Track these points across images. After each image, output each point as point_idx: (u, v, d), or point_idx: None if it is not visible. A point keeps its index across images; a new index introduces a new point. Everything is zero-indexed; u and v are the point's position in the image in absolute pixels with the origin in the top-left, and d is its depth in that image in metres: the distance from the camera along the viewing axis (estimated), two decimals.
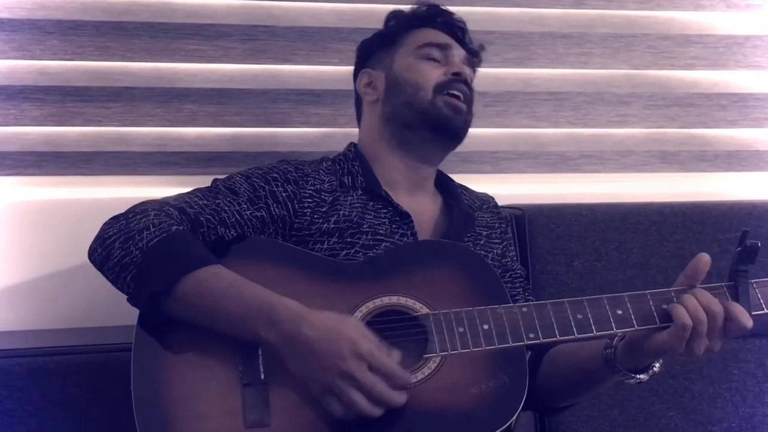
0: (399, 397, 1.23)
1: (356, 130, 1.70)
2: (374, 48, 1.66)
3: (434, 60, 1.58)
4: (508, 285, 1.58)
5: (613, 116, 2.12)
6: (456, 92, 1.55)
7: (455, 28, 1.64)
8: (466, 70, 1.59)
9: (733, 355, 1.89)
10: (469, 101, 1.57)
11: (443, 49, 1.59)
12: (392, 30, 1.65)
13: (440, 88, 1.54)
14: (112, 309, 1.57)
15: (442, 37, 1.61)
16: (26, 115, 1.84)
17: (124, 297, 1.33)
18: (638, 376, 1.36)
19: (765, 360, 1.91)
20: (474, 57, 1.65)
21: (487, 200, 1.71)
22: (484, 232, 1.61)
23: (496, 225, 1.66)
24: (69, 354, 1.66)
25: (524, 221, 1.88)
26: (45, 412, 1.60)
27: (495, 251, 1.61)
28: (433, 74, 1.56)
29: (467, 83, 1.58)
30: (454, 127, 1.56)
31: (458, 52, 1.61)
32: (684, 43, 2.13)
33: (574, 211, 1.92)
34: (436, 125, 1.54)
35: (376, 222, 1.50)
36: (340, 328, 1.23)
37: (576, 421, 1.82)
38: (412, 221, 1.52)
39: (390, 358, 1.23)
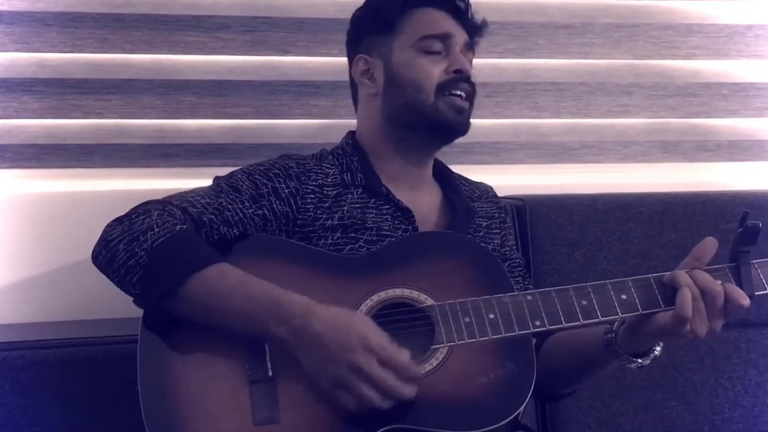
0: (409, 390, 1.23)
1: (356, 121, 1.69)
2: (369, 30, 1.58)
3: (435, 53, 1.51)
4: None
5: (615, 106, 2.12)
6: (458, 92, 1.50)
7: (458, 3, 1.56)
8: (467, 65, 1.53)
9: (735, 345, 1.89)
10: (471, 98, 1.53)
11: (444, 39, 1.52)
12: (389, 11, 1.54)
13: (442, 89, 1.49)
14: (113, 301, 1.57)
15: (442, 24, 1.53)
16: (26, 108, 1.84)
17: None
18: (639, 360, 1.38)
19: (766, 350, 1.91)
20: (477, 35, 1.58)
21: (486, 190, 1.70)
22: (484, 223, 1.61)
23: (496, 215, 1.65)
24: (70, 346, 1.67)
25: (525, 212, 1.88)
26: (46, 404, 1.60)
27: (495, 241, 1.60)
28: (434, 72, 1.49)
29: (469, 80, 1.52)
30: (456, 128, 1.52)
31: (459, 39, 1.53)
32: (686, 32, 2.13)
33: (576, 202, 1.91)
34: (437, 128, 1.51)
35: (379, 219, 1.49)
36: (350, 321, 1.24)
37: (577, 411, 1.82)
38: (413, 216, 1.51)
39: (400, 352, 1.23)
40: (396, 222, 1.50)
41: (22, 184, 1.84)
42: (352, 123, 1.76)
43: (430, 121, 1.50)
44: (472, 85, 1.53)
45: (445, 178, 1.64)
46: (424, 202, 1.57)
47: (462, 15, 1.56)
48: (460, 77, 1.50)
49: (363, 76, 1.57)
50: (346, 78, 1.71)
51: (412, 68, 1.51)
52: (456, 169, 1.70)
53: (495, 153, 2.06)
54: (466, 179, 1.70)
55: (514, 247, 1.69)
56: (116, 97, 1.88)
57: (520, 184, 1.98)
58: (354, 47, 1.60)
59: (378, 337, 1.23)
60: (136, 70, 1.89)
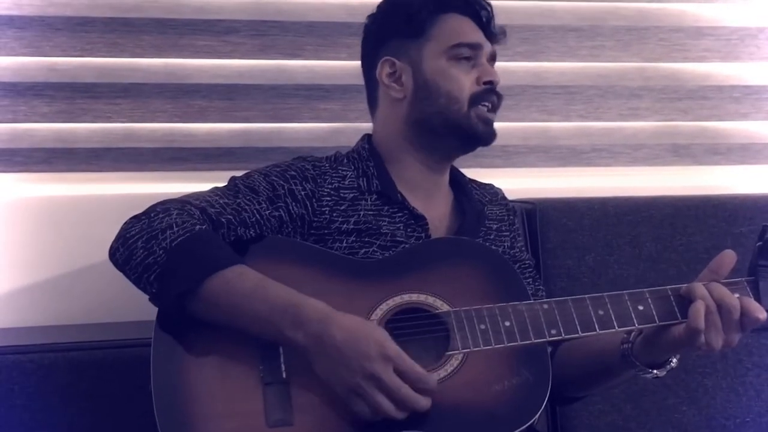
0: (424, 402, 1.23)
1: (366, 125, 1.68)
2: (395, 33, 1.56)
3: (464, 59, 1.52)
4: None
5: (625, 109, 2.11)
6: (487, 103, 1.52)
7: (481, 12, 1.57)
8: (497, 76, 1.54)
9: (747, 350, 1.88)
10: (496, 109, 1.55)
11: (473, 48, 1.53)
12: (419, 16, 1.53)
13: (474, 100, 1.51)
14: (123, 305, 1.58)
15: (472, 35, 1.54)
16: (36, 112, 1.84)
17: (135, 293, 1.33)
18: (655, 371, 1.37)
19: None
20: (495, 43, 1.59)
21: (495, 192, 1.70)
22: (494, 226, 1.61)
23: (505, 217, 1.65)
24: (79, 350, 1.67)
25: (535, 215, 1.88)
26: (55, 407, 1.60)
27: (505, 244, 1.60)
28: (466, 83, 1.50)
29: (497, 91, 1.54)
30: (485, 138, 1.54)
31: (487, 50, 1.56)
32: (696, 35, 2.12)
33: (586, 205, 1.91)
34: (467, 138, 1.53)
35: (393, 227, 1.49)
36: (367, 330, 1.24)
37: (588, 416, 1.81)
38: (427, 224, 1.51)
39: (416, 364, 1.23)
40: (409, 230, 1.50)
41: (32, 187, 1.84)
42: (362, 126, 1.76)
43: (462, 131, 1.51)
44: (500, 97, 1.55)
45: (457, 182, 1.64)
46: (438, 208, 1.57)
47: (484, 25, 1.57)
48: (491, 88, 1.53)
49: (389, 79, 1.55)
50: (356, 81, 1.70)
51: (446, 78, 1.51)
52: (466, 172, 1.70)
53: (505, 156, 2.06)
54: (475, 182, 1.70)
55: (523, 248, 1.68)
56: (126, 100, 1.88)
57: (530, 188, 1.97)
58: (376, 48, 1.58)
59: (395, 345, 1.22)
60: (146, 74, 1.89)
